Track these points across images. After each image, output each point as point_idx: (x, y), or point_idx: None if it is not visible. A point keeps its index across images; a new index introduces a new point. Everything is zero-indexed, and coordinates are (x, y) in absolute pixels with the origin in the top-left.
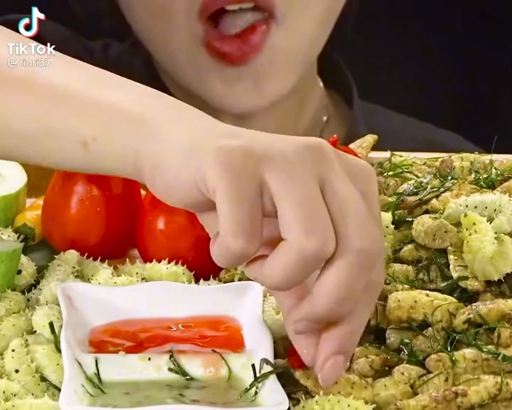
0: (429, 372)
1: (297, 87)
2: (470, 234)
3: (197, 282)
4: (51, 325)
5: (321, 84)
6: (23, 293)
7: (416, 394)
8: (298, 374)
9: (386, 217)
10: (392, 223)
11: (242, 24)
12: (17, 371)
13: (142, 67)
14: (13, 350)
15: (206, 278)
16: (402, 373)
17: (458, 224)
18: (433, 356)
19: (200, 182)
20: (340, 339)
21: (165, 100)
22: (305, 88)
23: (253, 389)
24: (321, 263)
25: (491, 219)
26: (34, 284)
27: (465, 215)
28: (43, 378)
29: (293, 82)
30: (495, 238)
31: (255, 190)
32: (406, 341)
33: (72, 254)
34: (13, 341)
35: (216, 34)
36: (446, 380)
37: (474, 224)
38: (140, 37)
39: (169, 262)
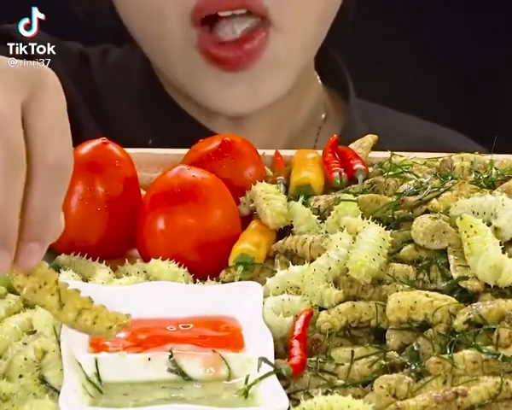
0: (428, 375)
1: (293, 85)
2: (469, 236)
3: (196, 282)
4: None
5: (319, 81)
6: None
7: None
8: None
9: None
10: (392, 223)
11: (239, 30)
12: (21, 376)
13: (140, 70)
14: (25, 359)
15: (206, 279)
16: (381, 386)
17: None
18: (432, 359)
19: None
20: (30, 227)
21: None
22: (303, 85)
23: (253, 389)
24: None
25: (487, 222)
26: None
27: (461, 218)
28: (44, 381)
29: (289, 85)
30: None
31: None
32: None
33: (72, 257)
34: (27, 350)
35: (211, 39)
36: (445, 383)
37: (471, 226)
38: (135, 38)
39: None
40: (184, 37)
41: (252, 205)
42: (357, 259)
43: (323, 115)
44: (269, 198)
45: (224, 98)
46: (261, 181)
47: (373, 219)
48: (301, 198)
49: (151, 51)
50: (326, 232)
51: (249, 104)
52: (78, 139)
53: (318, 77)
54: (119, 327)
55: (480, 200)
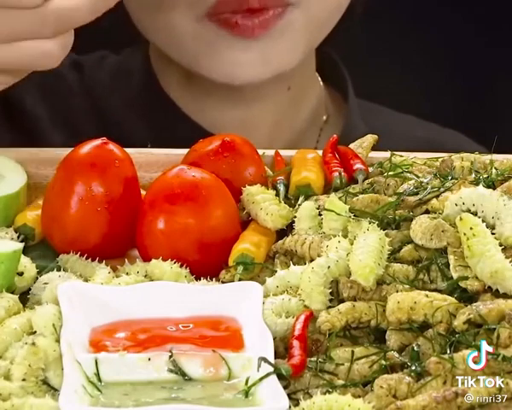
0: (428, 375)
1: (293, 82)
2: (468, 238)
3: (197, 281)
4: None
5: (321, 83)
6: (23, 295)
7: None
8: None
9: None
10: (393, 223)
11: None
12: (24, 379)
13: (140, 74)
14: (30, 359)
15: (206, 278)
16: (381, 386)
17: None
18: (432, 359)
19: None
20: None
21: None
22: (303, 84)
23: (253, 389)
24: None
25: (486, 221)
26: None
27: (460, 219)
28: (44, 381)
29: (299, 58)
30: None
31: None
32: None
33: (72, 257)
34: (31, 349)
35: (226, 8)
36: (445, 383)
37: (471, 228)
38: (140, 21)
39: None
40: (195, 4)
41: (245, 212)
42: (366, 264)
43: (325, 117)
44: (258, 202)
45: (235, 64)
46: (261, 181)
47: (372, 220)
48: (301, 198)
49: (158, 27)
50: (324, 233)
51: (259, 72)
52: (77, 142)
53: (320, 79)
54: None
55: (468, 192)
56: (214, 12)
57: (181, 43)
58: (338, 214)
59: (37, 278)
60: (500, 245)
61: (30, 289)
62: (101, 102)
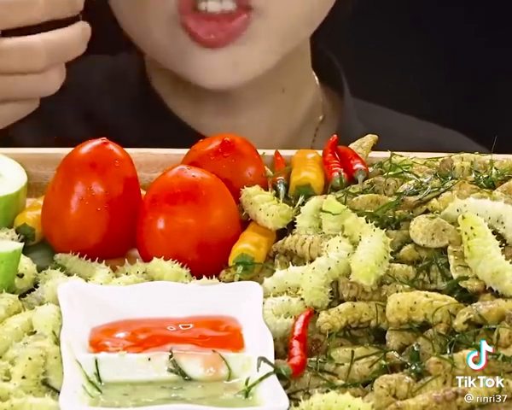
0: (428, 375)
1: (287, 84)
2: (469, 238)
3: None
4: None
5: (317, 82)
6: (24, 296)
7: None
8: None
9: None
10: (392, 223)
11: (220, 6)
12: (24, 377)
13: (133, 78)
14: (29, 358)
15: (207, 277)
16: (381, 386)
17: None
18: (432, 359)
19: None
20: None
21: None
22: (298, 85)
23: (253, 389)
24: None
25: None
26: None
27: (463, 217)
28: (44, 381)
29: (272, 63)
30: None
31: None
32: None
33: (70, 256)
34: (31, 349)
35: (192, 15)
36: (445, 383)
37: (471, 228)
38: (122, 23)
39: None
40: (168, 14)
41: (244, 213)
42: (366, 264)
43: (321, 116)
44: (256, 202)
45: (205, 70)
46: (261, 181)
47: (372, 220)
48: (301, 198)
49: (137, 35)
50: (324, 233)
51: (229, 77)
52: (73, 145)
53: (316, 78)
54: None
55: (475, 202)
56: (180, 13)
57: (158, 47)
58: (334, 214)
59: (35, 279)
60: (500, 246)
61: (30, 290)
62: (93, 105)
